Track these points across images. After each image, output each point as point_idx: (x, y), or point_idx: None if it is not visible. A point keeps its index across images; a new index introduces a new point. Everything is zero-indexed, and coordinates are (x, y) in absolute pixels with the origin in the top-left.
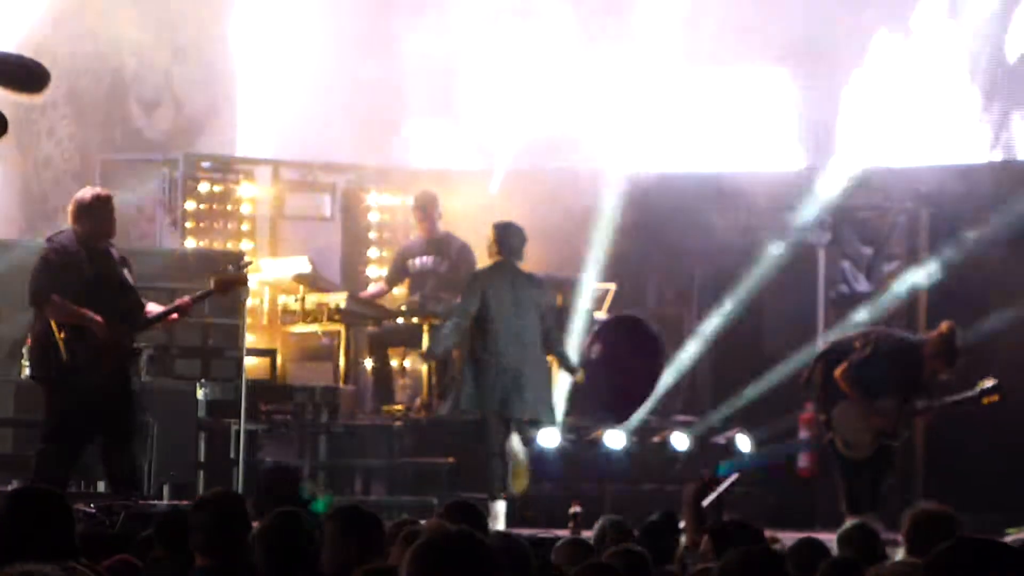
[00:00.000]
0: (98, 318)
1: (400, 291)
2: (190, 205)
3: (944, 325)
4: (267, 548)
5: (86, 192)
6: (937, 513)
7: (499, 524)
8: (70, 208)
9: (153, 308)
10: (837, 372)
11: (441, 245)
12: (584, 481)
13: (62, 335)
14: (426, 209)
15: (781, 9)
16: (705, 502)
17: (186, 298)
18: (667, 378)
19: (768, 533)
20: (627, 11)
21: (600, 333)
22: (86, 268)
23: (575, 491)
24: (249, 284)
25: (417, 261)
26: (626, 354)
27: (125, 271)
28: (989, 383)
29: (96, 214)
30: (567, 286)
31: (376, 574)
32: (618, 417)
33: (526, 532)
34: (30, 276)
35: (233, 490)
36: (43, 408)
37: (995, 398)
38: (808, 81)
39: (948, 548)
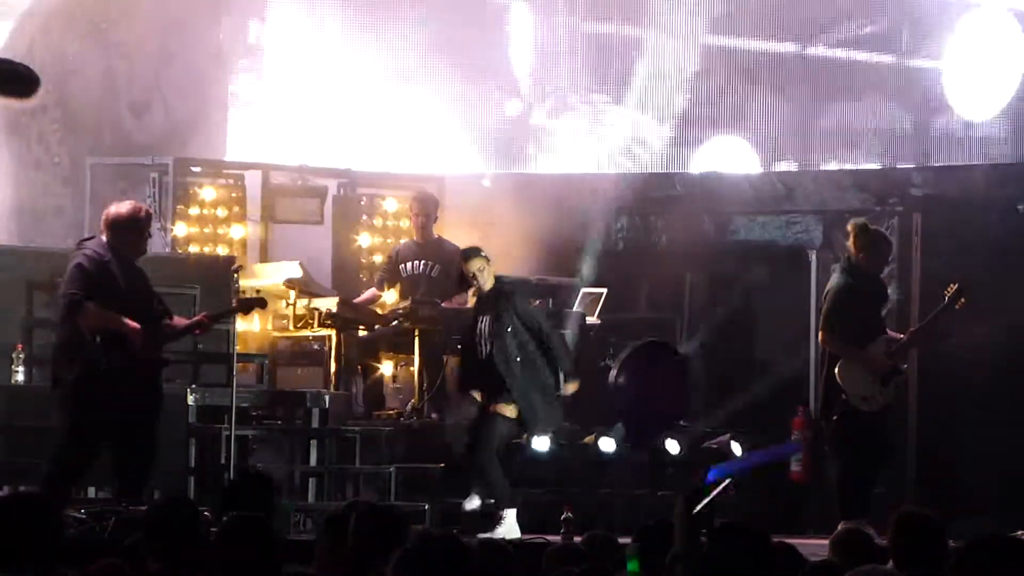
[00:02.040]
0: (135, 325)
1: (392, 296)
2: (180, 209)
3: (850, 227)
4: (226, 553)
5: (131, 206)
6: (921, 517)
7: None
8: (108, 217)
9: (178, 321)
10: (820, 340)
11: (433, 249)
12: (576, 486)
13: (97, 340)
14: (426, 210)
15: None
16: (695, 509)
17: (205, 314)
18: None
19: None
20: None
21: (625, 361)
22: (119, 277)
23: (567, 496)
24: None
25: (408, 266)
26: (650, 379)
27: (151, 287)
28: (952, 289)
29: (138, 230)
30: (559, 291)
31: None
32: (644, 442)
33: (519, 537)
34: (63, 282)
35: (185, 495)
36: (64, 412)
37: (963, 301)
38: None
39: (972, 545)
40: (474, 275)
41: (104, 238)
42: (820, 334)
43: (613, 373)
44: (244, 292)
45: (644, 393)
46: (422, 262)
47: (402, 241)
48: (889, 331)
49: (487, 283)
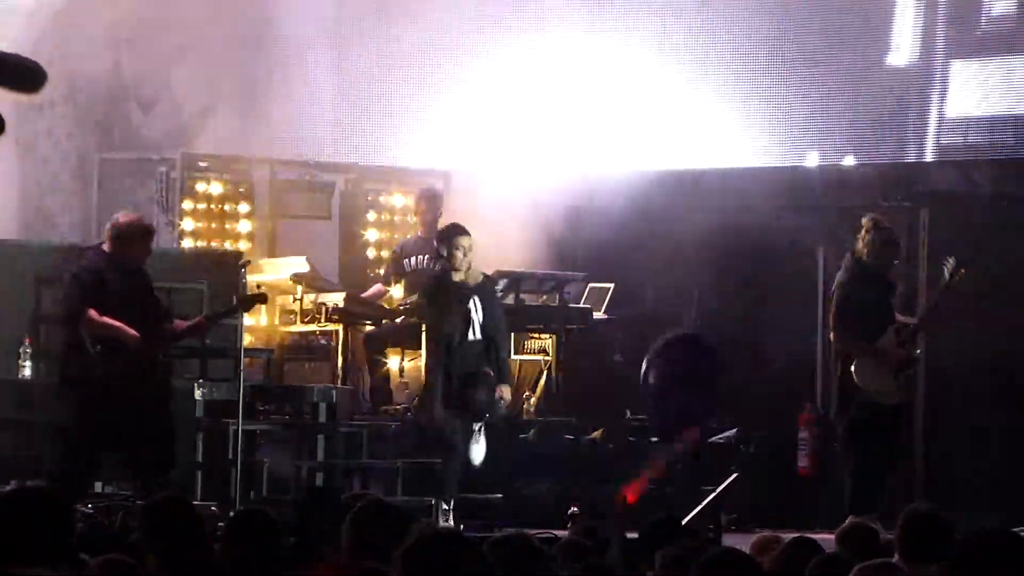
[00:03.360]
0: (132, 331)
1: (398, 291)
2: (188, 205)
3: (865, 221)
4: (232, 547)
5: (131, 219)
6: (929, 514)
7: None
8: (109, 230)
9: (178, 324)
10: (832, 339)
11: (431, 245)
12: (582, 482)
13: (97, 348)
14: (431, 206)
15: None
16: (702, 505)
17: (203, 316)
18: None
19: (769, 533)
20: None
21: (654, 358)
22: (116, 285)
23: (571, 491)
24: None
25: (413, 260)
26: (683, 374)
27: (153, 290)
28: (951, 262)
29: (136, 244)
30: (566, 285)
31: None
32: (683, 437)
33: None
34: (63, 294)
35: (181, 494)
36: (67, 415)
37: (962, 272)
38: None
39: (969, 540)
40: (466, 252)
41: (105, 246)
42: (831, 334)
43: (643, 369)
44: (251, 287)
45: (676, 387)
46: (427, 257)
47: (407, 236)
48: (899, 316)
49: (470, 265)
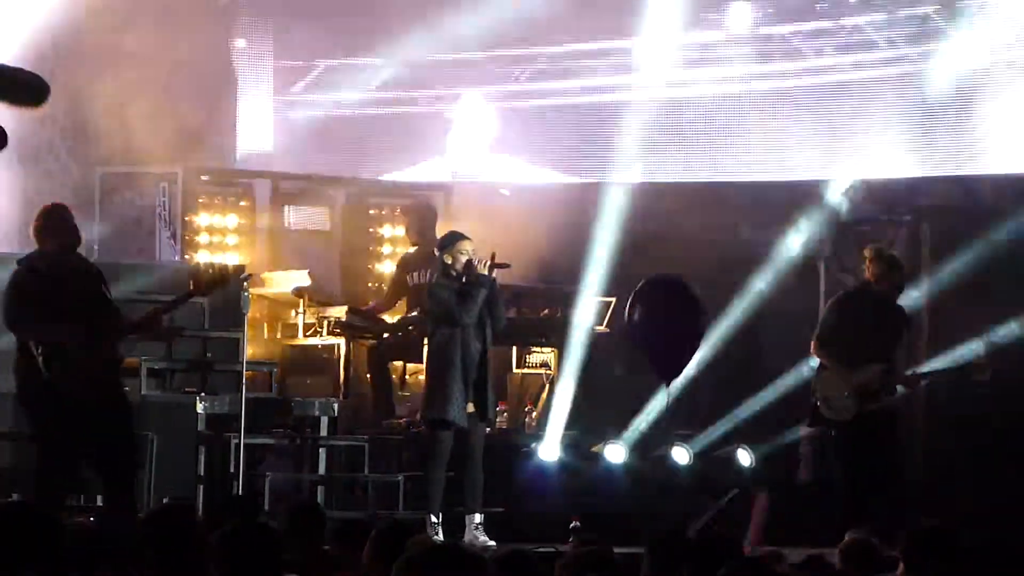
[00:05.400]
0: (70, 332)
1: (400, 305)
2: (189, 218)
3: (867, 251)
4: (225, 558)
5: (41, 209)
6: (933, 529)
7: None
8: (31, 231)
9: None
10: (811, 348)
11: (434, 259)
12: (584, 495)
13: (39, 353)
14: (415, 218)
15: None
16: (703, 519)
17: (154, 308)
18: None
19: (772, 549)
20: (627, 17)
21: (639, 295)
22: (58, 285)
23: (575, 505)
24: (230, 284)
25: (415, 275)
26: (666, 316)
27: (101, 284)
28: (980, 351)
29: (54, 228)
30: (567, 300)
31: None
32: (663, 376)
33: (528, 547)
34: (2, 300)
35: (183, 504)
36: (32, 427)
37: (984, 378)
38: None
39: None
40: (469, 256)
41: (40, 250)
42: (812, 343)
43: (627, 309)
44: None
45: (660, 323)
46: (429, 271)
47: (409, 250)
48: (904, 372)
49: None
